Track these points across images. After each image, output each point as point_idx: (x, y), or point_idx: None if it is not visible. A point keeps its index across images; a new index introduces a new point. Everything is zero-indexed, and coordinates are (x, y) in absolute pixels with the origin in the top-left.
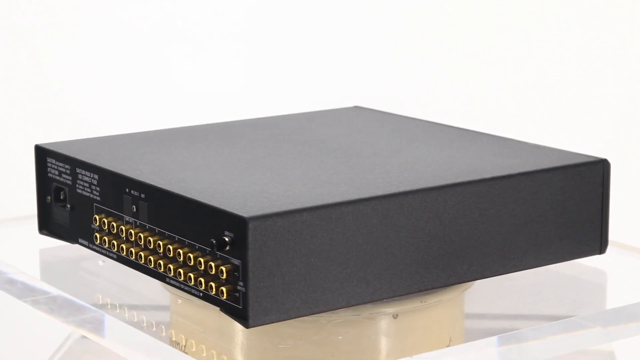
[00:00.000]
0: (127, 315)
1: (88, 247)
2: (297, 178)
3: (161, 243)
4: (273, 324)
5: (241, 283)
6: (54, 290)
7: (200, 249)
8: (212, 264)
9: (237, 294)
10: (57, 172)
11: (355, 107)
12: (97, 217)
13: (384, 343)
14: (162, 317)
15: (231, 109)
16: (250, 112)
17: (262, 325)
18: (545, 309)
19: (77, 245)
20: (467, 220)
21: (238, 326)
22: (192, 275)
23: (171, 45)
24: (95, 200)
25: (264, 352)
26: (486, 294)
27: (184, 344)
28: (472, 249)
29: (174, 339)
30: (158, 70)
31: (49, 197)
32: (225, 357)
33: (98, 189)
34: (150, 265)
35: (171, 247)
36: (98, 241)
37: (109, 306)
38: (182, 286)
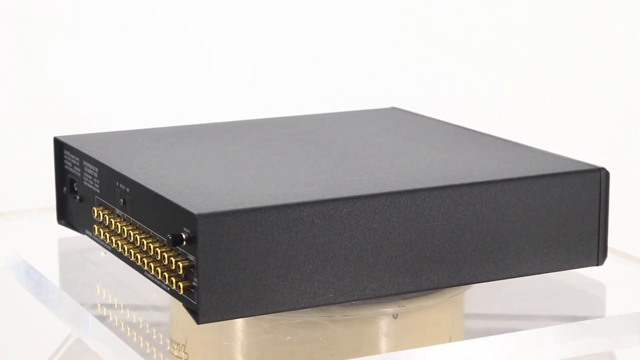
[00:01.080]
0: (124, 313)
1: (92, 238)
2: (276, 177)
3: (138, 237)
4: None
5: (196, 279)
6: (56, 285)
7: (167, 244)
8: (173, 260)
9: (192, 290)
10: (70, 164)
11: (392, 108)
12: (96, 210)
13: (383, 343)
14: (162, 316)
15: (275, 108)
16: (297, 111)
17: (213, 322)
18: (545, 310)
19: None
20: (445, 224)
21: (238, 326)
22: (159, 270)
23: (191, 38)
24: (96, 193)
25: (262, 351)
26: (486, 294)
27: (183, 344)
28: (452, 254)
29: (173, 339)
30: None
31: (65, 188)
32: (225, 358)
33: (98, 181)
34: (131, 257)
35: (145, 241)
36: (96, 232)
37: (108, 305)
38: (155, 280)
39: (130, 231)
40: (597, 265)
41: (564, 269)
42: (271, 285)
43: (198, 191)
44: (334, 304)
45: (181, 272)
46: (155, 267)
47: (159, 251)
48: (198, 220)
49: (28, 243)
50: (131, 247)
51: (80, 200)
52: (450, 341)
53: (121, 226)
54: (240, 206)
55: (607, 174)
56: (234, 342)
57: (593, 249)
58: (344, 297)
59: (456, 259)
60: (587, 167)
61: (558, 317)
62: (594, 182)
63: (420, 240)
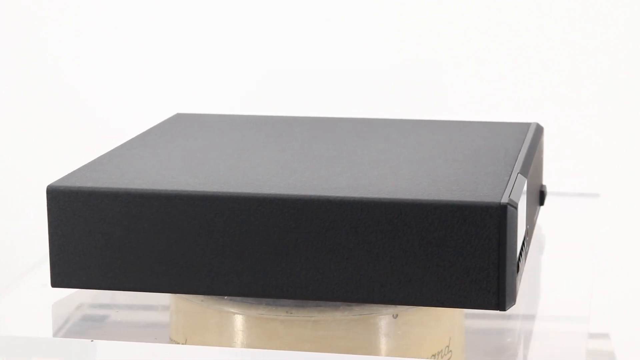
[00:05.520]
0: (124, 313)
1: None
2: (207, 169)
3: None
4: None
5: None
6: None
7: None
8: None
9: None
10: None
11: (533, 123)
12: None
13: (383, 343)
14: (162, 316)
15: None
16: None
17: (65, 288)
18: (544, 309)
19: None
20: (311, 236)
21: (238, 326)
22: None
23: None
24: None
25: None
26: None
27: (183, 343)
28: (323, 268)
29: (173, 339)
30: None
31: None
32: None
33: None
34: None
35: None
36: None
37: (109, 305)
38: None
39: None
40: (499, 310)
41: (459, 306)
42: (114, 264)
43: (106, 169)
44: (186, 293)
45: None
46: None
47: None
48: (47, 192)
49: None
50: None
51: None
52: (450, 341)
53: None
54: (95, 185)
55: (511, 211)
56: (234, 341)
57: (492, 290)
58: (180, 289)
59: (329, 273)
60: (485, 201)
61: (558, 315)
62: (490, 218)
63: (288, 249)
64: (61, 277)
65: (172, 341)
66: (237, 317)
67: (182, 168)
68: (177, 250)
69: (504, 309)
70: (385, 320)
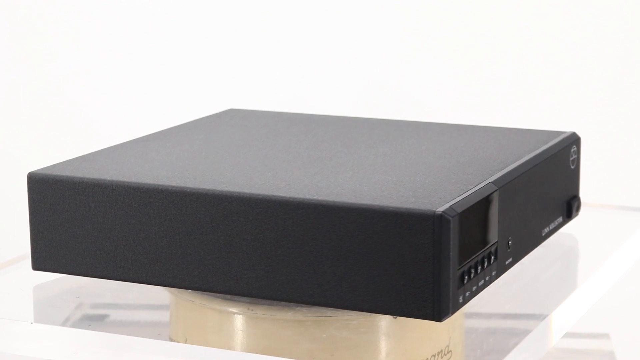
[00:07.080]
0: (124, 313)
1: None
2: (192, 163)
3: None
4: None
5: None
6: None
7: None
8: None
9: None
10: None
11: (568, 132)
12: None
13: (384, 343)
14: (162, 316)
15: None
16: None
17: (45, 272)
18: (545, 309)
19: None
20: (257, 235)
21: (238, 326)
22: None
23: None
24: None
25: (262, 350)
26: (486, 293)
27: (183, 342)
28: (263, 266)
29: (172, 339)
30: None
31: None
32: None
33: None
34: None
35: None
36: None
37: (108, 304)
38: None
39: None
40: (434, 320)
41: (396, 314)
42: (92, 251)
43: (100, 160)
44: (160, 285)
45: None
46: None
47: None
48: (27, 179)
49: None
50: None
51: None
52: (450, 340)
53: None
54: (67, 174)
55: (446, 220)
56: (234, 341)
57: (426, 300)
58: (150, 280)
59: (268, 272)
60: (420, 209)
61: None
62: (424, 227)
63: (232, 245)
64: (40, 261)
65: (172, 341)
66: (237, 316)
67: (170, 162)
68: (144, 241)
69: (439, 320)
70: (385, 320)
